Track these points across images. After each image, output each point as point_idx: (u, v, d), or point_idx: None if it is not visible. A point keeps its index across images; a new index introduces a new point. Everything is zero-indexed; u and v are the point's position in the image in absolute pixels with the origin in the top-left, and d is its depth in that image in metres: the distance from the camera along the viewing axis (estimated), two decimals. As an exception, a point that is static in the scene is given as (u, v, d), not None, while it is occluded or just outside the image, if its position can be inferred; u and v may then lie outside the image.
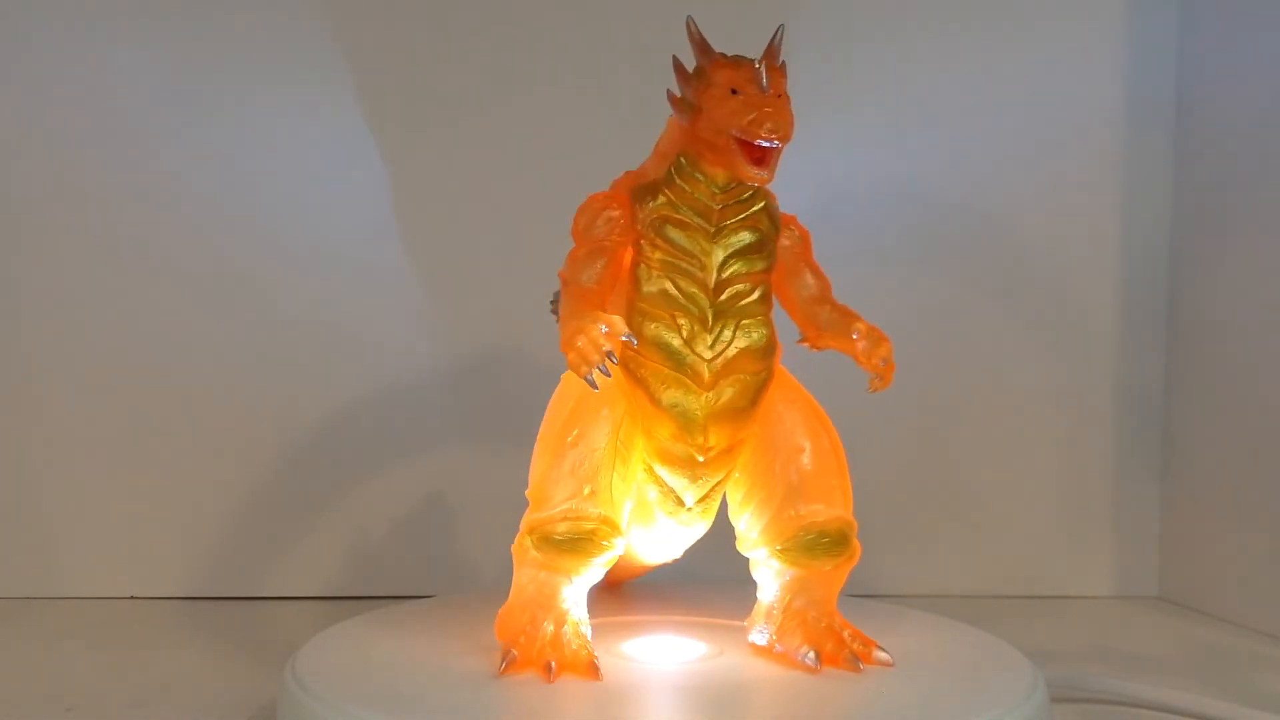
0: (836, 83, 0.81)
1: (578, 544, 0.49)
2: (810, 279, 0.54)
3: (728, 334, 0.51)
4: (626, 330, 0.48)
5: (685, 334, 0.50)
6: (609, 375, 0.48)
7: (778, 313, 0.53)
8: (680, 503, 0.52)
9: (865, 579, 0.76)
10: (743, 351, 0.51)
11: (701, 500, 0.53)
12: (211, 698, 0.57)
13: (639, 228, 0.51)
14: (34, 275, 0.78)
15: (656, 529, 0.54)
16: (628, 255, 0.51)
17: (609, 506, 0.49)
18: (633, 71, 0.79)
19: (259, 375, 0.79)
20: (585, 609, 0.51)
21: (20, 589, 0.77)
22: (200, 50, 0.78)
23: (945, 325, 0.83)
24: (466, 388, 0.80)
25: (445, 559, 0.79)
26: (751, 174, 0.48)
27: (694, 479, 0.52)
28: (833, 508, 0.52)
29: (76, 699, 0.57)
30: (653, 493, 0.52)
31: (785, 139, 0.47)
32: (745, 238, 0.51)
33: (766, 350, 0.52)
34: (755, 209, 0.52)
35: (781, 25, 0.50)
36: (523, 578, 0.50)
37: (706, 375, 0.50)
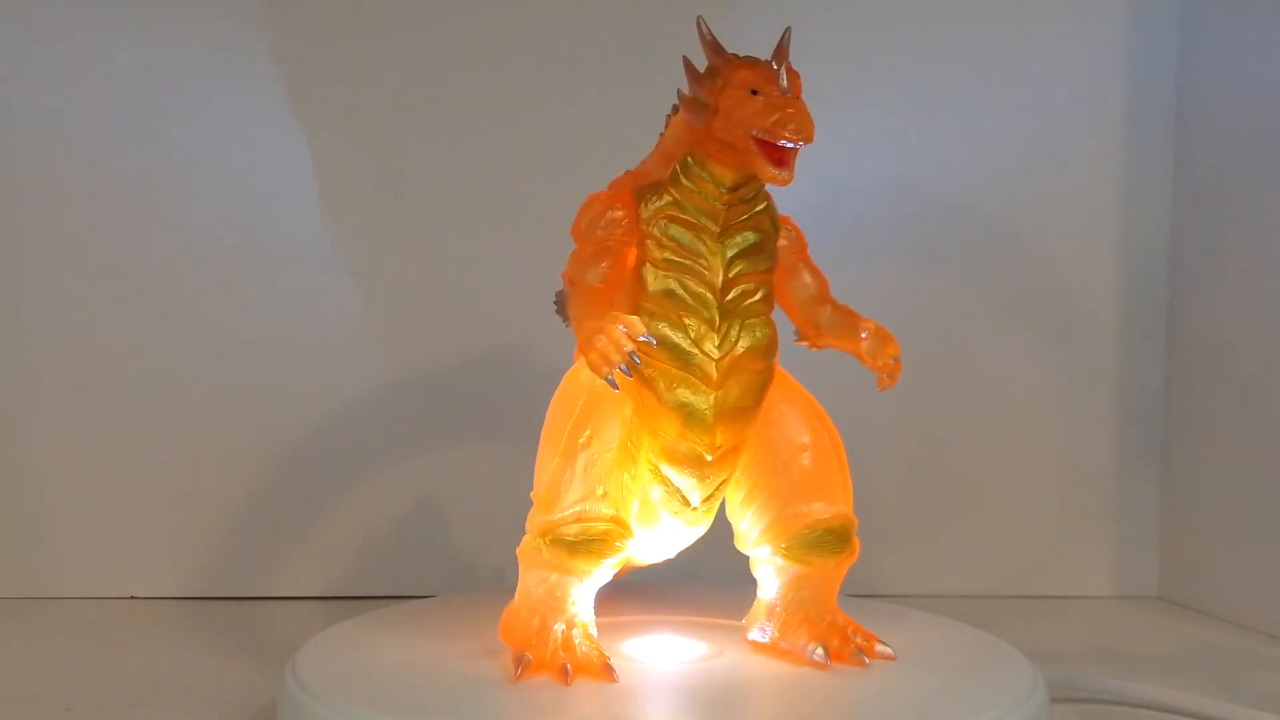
0: (836, 83, 0.81)
1: (591, 545, 0.49)
2: (808, 278, 0.54)
3: (734, 333, 0.51)
4: (645, 330, 0.48)
5: (693, 334, 0.50)
6: (630, 376, 0.48)
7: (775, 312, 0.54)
8: (686, 502, 0.53)
9: (866, 579, 0.76)
10: (748, 350, 0.51)
11: (707, 500, 0.53)
12: (211, 698, 0.58)
13: (644, 227, 0.51)
14: (33, 275, 0.78)
15: (659, 529, 0.54)
16: (632, 255, 0.51)
17: (621, 507, 0.49)
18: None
19: (259, 375, 0.79)
20: (592, 611, 0.51)
21: (20, 589, 0.77)
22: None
23: (945, 325, 0.83)
24: (466, 387, 0.80)
25: (445, 559, 0.79)
26: (772, 174, 0.48)
27: (702, 478, 0.52)
28: (836, 505, 0.53)
29: (76, 699, 0.57)
30: (657, 492, 0.52)
31: (808, 140, 0.48)
32: (750, 238, 0.52)
33: (770, 349, 0.52)
34: (758, 209, 0.52)
35: (788, 27, 0.50)
36: (531, 580, 0.50)
37: (715, 374, 0.51)
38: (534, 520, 0.50)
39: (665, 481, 0.52)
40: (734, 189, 0.51)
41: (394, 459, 0.79)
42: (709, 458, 0.51)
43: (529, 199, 0.79)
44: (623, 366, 0.47)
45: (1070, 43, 0.84)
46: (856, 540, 0.53)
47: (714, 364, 0.51)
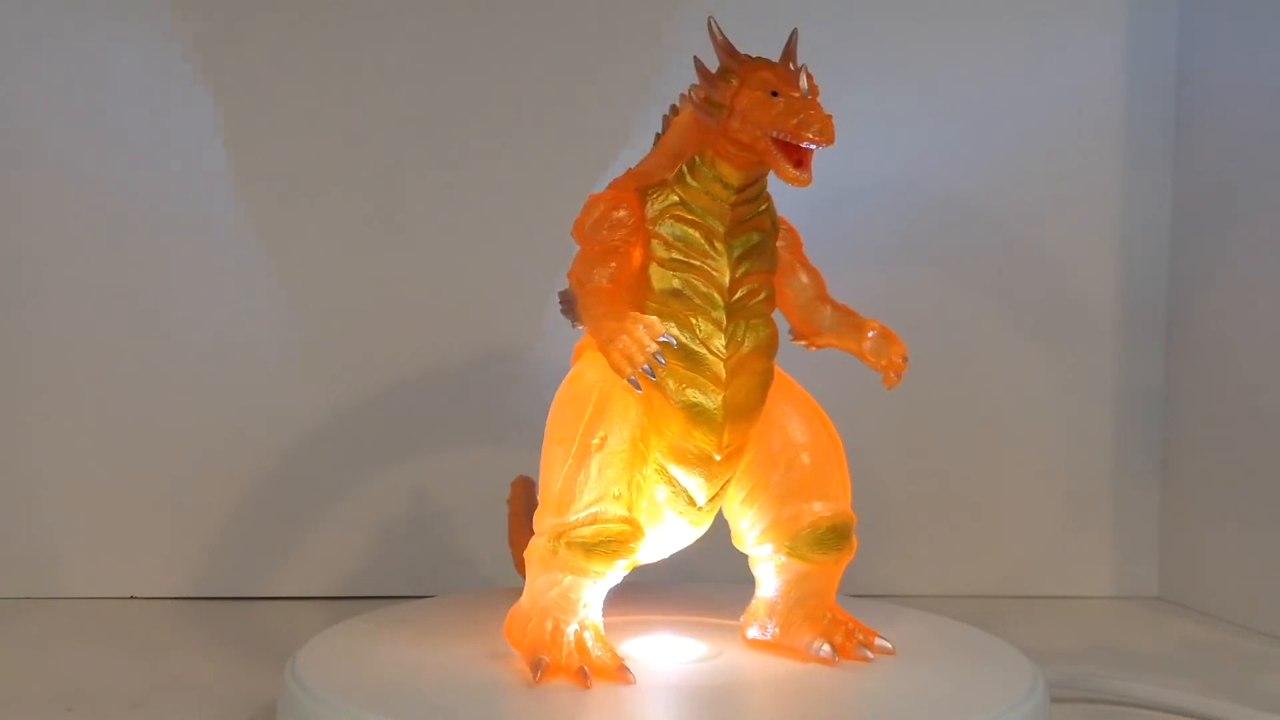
0: (835, 82, 0.80)
1: (607, 546, 0.49)
2: (806, 277, 0.55)
3: (741, 333, 0.51)
4: (665, 331, 0.48)
5: (700, 333, 0.51)
6: (654, 376, 0.48)
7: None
8: (692, 502, 0.53)
9: (866, 579, 0.76)
10: (754, 350, 0.51)
11: (712, 499, 0.53)
12: (211, 698, 0.58)
13: (649, 227, 0.51)
14: (32, 275, 0.78)
15: (663, 529, 0.54)
16: (637, 255, 0.51)
17: (634, 508, 0.49)
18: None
19: (259, 375, 0.79)
20: (600, 612, 0.51)
21: (20, 589, 0.77)
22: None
23: (945, 325, 0.83)
24: (466, 387, 0.80)
25: (445, 559, 0.79)
26: (793, 175, 0.48)
27: (709, 477, 0.52)
28: (837, 502, 0.53)
29: (76, 699, 0.57)
30: (663, 492, 0.52)
31: (830, 142, 0.48)
32: (754, 238, 0.52)
33: (773, 348, 0.52)
34: (761, 210, 0.52)
35: (795, 29, 0.50)
36: (543, 583, 0.50)
37: (724, 374, 0.51)
38: (544, 522, 0.50)
39: (671, 481, 0.52)
40: (740, 189, 0.51)
41: (394, 459, 0.79)
42: (717, 457, 0.51)
43: (529, 198, 0.79)
44: (645, 367, 0.47)
45: (1070, 43, 0.84)
46: (855, 537, 0.54)
47: (722, 364, 0.51)
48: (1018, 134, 0.83)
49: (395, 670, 0.51)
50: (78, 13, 0.77)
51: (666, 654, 0.54)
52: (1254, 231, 0.77)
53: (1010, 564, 0.84)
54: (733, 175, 0.50)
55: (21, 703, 0.57)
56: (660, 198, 0.51)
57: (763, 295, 0.52)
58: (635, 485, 0.50)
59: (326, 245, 0.79)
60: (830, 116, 0.47)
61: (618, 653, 0.50)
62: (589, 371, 0.51)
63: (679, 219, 0.51)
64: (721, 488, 0.53)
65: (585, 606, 0.50)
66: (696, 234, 0.51)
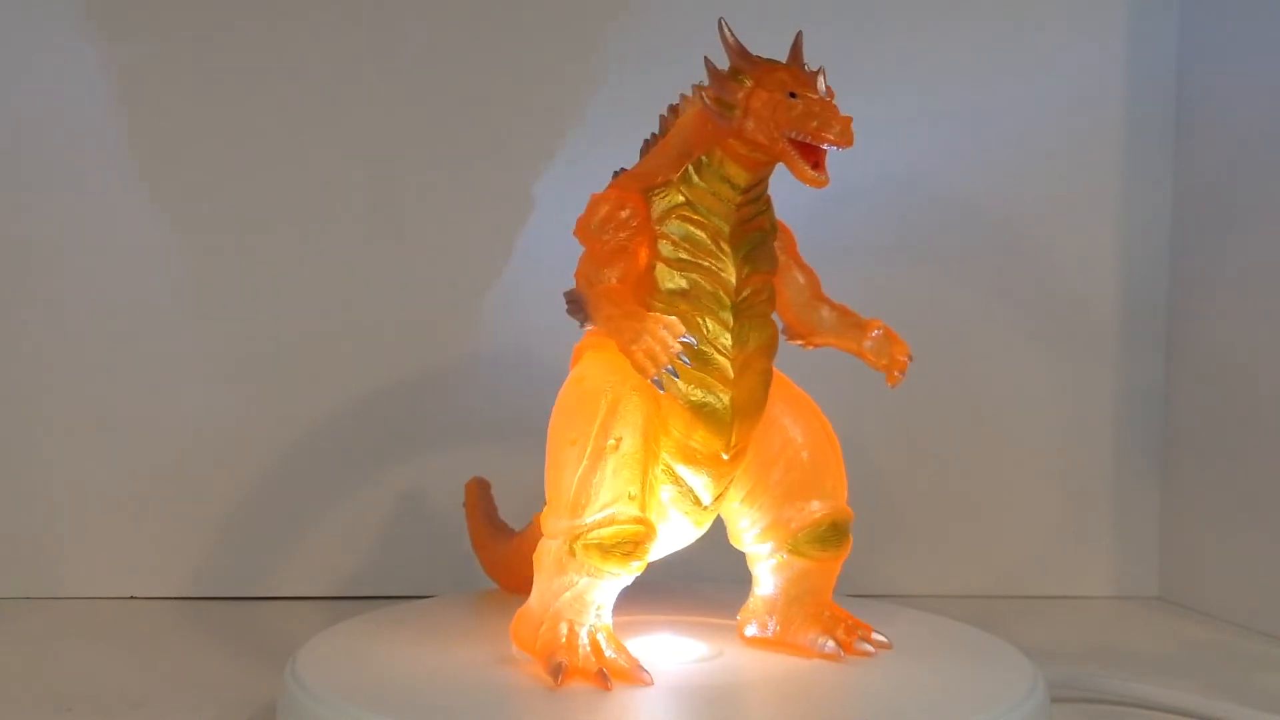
0: (834, 82, 0.80)
1: (624, 548, 0.49)
2: (800, 276, 0.55)
3: (746, 332, 0.51)
4: (684, 331, 0.48)
5: (709, 333, 0.51)
6: (676, 376, 0.49)
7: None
8: (698, 501, 0.53)
9: (865, 579, 0.76)
10: (758, 349, 0.52)
11: (717, 499, 0.53)
12: (211, 698, 0.58)
13: (655, 227, 0.51)
14: (33, 275, 0.78)
15: (667, 529, 0.54)
16: (643, 255, 0.51)
17: (647, 509, 0.49)
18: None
19: (259, 375, 0.79)
20: (610, 614, 0.50)
21: (20, 589, 0.77)
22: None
23: (945, 325, 0.83)
24: (466, 387, 0.80)
25: (445, 559, 0.79)
26: (812, 176, 0.48)
27: (717, 477, 0.52)
28: (836, 499, 0.54)
29: (76, 699, 0.57)
30: (669, 492, 0.52)
31: (850, 143, 0.48)
32: (757, 238, 0.52)
33: (774, 347, 0.53)
34: (763, 210, 0.52)
35: (800, 31, 0.50)
36: (556, 585, 0.49)
37: (732, 373, 0.51)
38: (558, 525, 0.49)
39: (678, 481, 0.52)
40: (746, 190, 0.51)
41: (394, 459, 0.79)
42: (725, 456, 0.52)
43: (529, 197, 0.79)
44: (668, 367, 0.47)
45: (1070, 44, 0.84)
46: (850, 534, 0.54)
47: (730, 363, 0.51)
48: (1018, 134, 0.83)
49: (395, 670, 0.51)
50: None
51: (666, 654, 0.54)
52: (1254, 231, 0.77)
53: (1010, 564, 0.84)
54: (740, 176, 0.50)
55: (21, 703, 0.57)
56: (665, 197, 0.51)
57: (765, 295, 0.52)
58: (648, 486, 0.50)
59: (326, 245, 0.79)
60: (850, 119, 0.48)
61: (631, 654, 0.50)
62: (594, 373, 0.51)
63: (685, 219, 0.51)
64: (726, 487, 0.53)
65: (599, 608, 0.50)
66: (703, 234, 0.51)
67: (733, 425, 0.51)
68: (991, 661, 0.54)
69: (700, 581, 0.66)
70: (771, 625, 0.54)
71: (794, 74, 0.49)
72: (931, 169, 0.83)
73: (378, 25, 0.79)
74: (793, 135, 0.48)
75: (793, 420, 0.54)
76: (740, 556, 0.56)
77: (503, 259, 0.80)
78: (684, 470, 0.52)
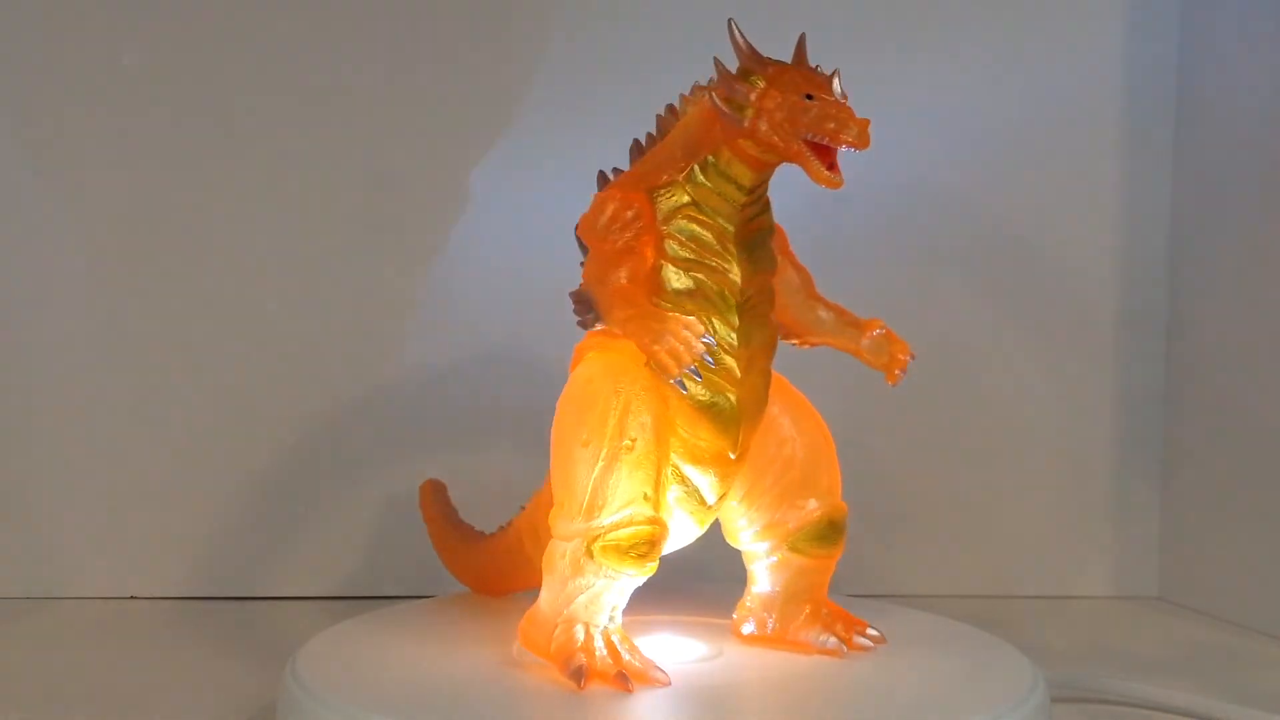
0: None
1: (641, 548, 0.48)
2: (793, 275, 0.55)
3: (750, 331, 0.51)
4: (705, 331, 0.49)
5: (715, 332, 0.51)
6: (699, 378, 0.49)
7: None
8: (703, 501, 0.53)
9: (866, 579, 0.76)
10: (761, 348, 0.52)
11: (721, 498, 0.53)
12: (211, 698, 0.58)
13: (661, 227, 0.51)
14: (32, 275, 0.78)
15: (671, 529, 0.54)
16: (649, 254, 0.51)
17: (660, 508, 0.49)
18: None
19: (258, 375, 0.79)
20: (621, 616, 0.50)
21: (20, 589, 0.77)
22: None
23: (945, 325, 0.83)
24: (466, 387, 0.80)
25: (445, 559, 0.79)
26: (828, 177, 0.48)
27: (723, 476, 0.52)
28: (832, 496, 0.54)
29: (76, 699, 0.57)
30: (675, 492, 0.52)
31: (868, 145, 0.48)
32: (758, 238, 0.52)
33: (774, 346, 0.53)
34: (764, 210, 0.52)
35: (803, 34, 0.50)
36: (572, 588, 0.49)
37: (739, 372, 0.51)
38: (571, 526, 0.49)
39: (684, 481, 0.52)
40: (751, 190, 0.51)
41: (394, 458, 0.79)
42: (733, 455, 0.52)
43: (529, 196, 0.79)
44: (690, 367, 0.48)
45: (1070, 43, 0.84)
46: (846, 530, 0.55)
47: (736, 363, 0.51)
48: (1018, 134, 0.83)
49: (395, 670, 0.51)
50: None
51: (666, 654, 0.54)
52: (1254, 232, 0.77)
53: (1010, 564, 0.84)
54: (745, 176, 0.50)
55: (21, 703, 0.57)
56: (670, 197, 0.51)
57: (767, 295, 0.52)
58: (660, 486, 0.50)
59: (326, 245, 0.79)
60: (867, 121, 0.48)
61: (645, 655, 0.50)
62: (601, 373, 0.50)
63: (691, 219, 0.51)
64: (730, 486, 0.53)
65: (614, 610, 0.49)
66: (709, 234, 0.51)
67: (740, 424, 0.51)
68: (991, 661, 0.54)
69: (700, 581, 0.66)
70: (770, 622, 0.55)
71: (808, 75, 0.49)
72: (931, 169, 0.83)
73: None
74: (810, 137, 0.48)
75: (790, 419, 0.54)
76: (737, 555, 0.56)
77: (503, 258, 0.80)
78: (690, 470, 0.52)
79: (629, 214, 0.50)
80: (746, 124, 0.49)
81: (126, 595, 0.78)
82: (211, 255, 0.79)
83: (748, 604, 0.56)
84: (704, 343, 0.48)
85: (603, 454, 0.48)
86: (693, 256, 0.51)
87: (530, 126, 0.80)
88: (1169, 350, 0.84)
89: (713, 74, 0.51)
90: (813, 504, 0.54)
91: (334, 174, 0.79)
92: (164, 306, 0.78)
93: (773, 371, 0.54)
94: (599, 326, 0.51)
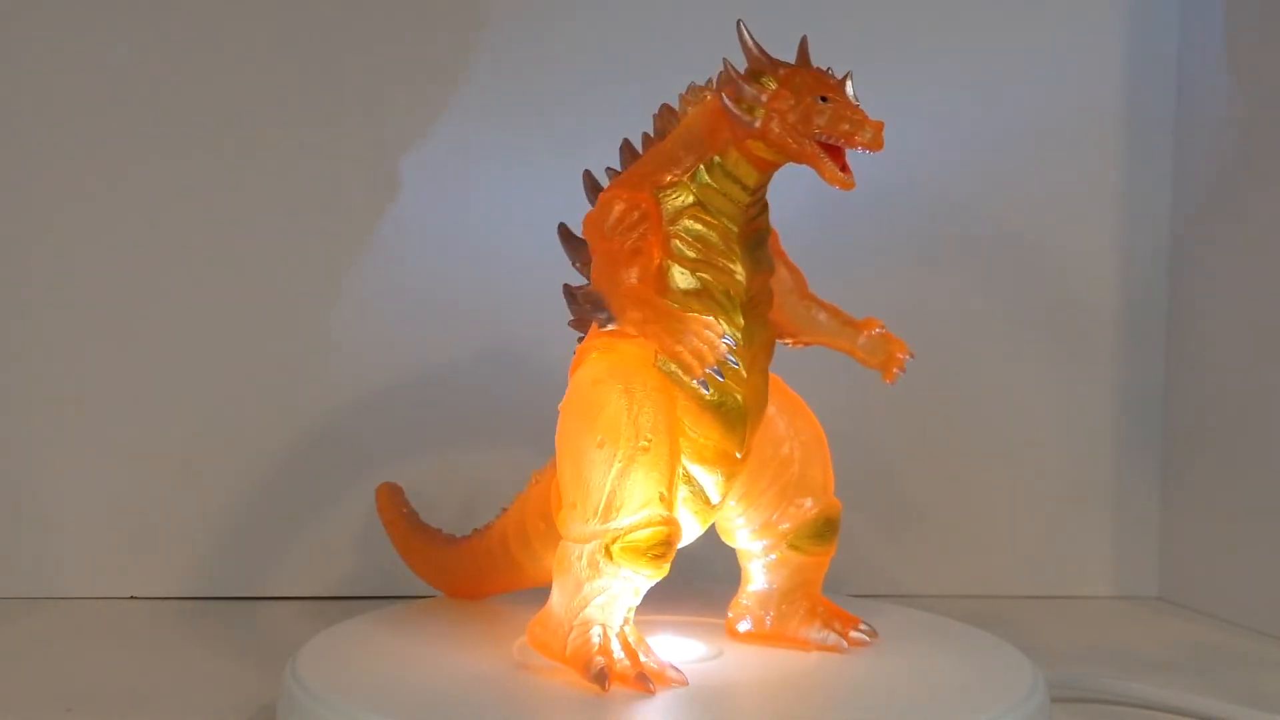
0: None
1: (659, 549, 0.48)
2: (786, 275, 0.55)
3: (753, 331, 0.51)
4: (725, 331, 0.49)
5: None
6: (722, 378, 0.49)
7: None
8: (707, 501, 0.53)
9: (866, 579, 0.76)
10: (763, 348, 0.52)
11: (725, 498, 0.53)
12: (211, 698, 0.58)
13: (667, 227, 0.51)
14: (33, 275, 0.78)
15: None
16: (656, 254, 0.51)
17: (673, 508, 0.49)
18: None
19: (258, 375, 0.79)
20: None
21: (20, 589, 0.77)
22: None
23: (944, 325, 0.83)
24: (466, 387, 0.80)
25: (445, 559, 0.79)
26: (841, 178, 0.48)
27: (729, 475, 0.52)
28: (827, 494, 0.55)
29: (76, 699, 0.57)
30: (682, 492, 0.52)
31: (881, 147, 0.48)
32: (760, 238, 0.52)
33: (774, 345, 0.53)
34: (763, 211, 0.52)
35: (805, 36, 0.50)
36: (588, 590, 0.49)
37: (744, 372, 0.51)
38: (585, 528, 0.49)
39: (690, 481, 0.52)
40: (755, 191, 0.51)
41: (394, 459, 0.79)
42: (739, 455, 0.52)
43: (529, 196, 0.79)
44: (714, 367, 0.48)
45: (1070, 43, 0.84)
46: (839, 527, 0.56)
47: (742, 362, 0.51)
48: (1018, 134, 0.83)
49: (395, 670, 0.51)
50: None
51: (667, 654, 0.53)
52: (1254, 231, 0.77)
53: (1010, 564, 0.84)
54: (751, 176, 0.50)
55: (21, 703, 0.57)
56: (675, 197, 0.51)
57: (767, 295, 0.53)
58: (674, 486, 0.50)
59: (326, 245, 0.79)
60: (881, 124, 0.48)
61: (659, 656, 0.50)
62: (609, 374, 0.50)
63: (697, 218, 0.51)
64: (732, 485, 0.53)
65: (629, 611, 0.49)
66: (714, 234, 0.51)
67: (746, 424, 0.51)
68: (991, 661, 0.54)
69: (699, 581, 0.66)
70: (767, 620, 0.55)
71: (820, 77, 0.49)
72: (932, 169, 0.83)
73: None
74: (824, 138, 0.48)
75: (785, 418, 0.55)
76: (731, 554, 0.56)
77: (503, 257, 0.80)
78: (697, 470, 0.52)
79: (636, 214, 0.50)
80: (758, 125, 0.49)
81: (126, 595, 0.78)
82: (211, 255, 0.79)
83: (743, 602, 0.56)
84: (725, 343, 0.48)
85: (619, 455, 0.48)
86: (699, 256, 0.50)
87: (526, 126, 0.80)
88: (1169, 350, 0.84)
89: (711, 74, 0.51)
90: (809, 502, 0.54)
91: (335, 174, 0.79)
92: (163, 307, 0.78)
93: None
94: (611, 327, 0.50)
